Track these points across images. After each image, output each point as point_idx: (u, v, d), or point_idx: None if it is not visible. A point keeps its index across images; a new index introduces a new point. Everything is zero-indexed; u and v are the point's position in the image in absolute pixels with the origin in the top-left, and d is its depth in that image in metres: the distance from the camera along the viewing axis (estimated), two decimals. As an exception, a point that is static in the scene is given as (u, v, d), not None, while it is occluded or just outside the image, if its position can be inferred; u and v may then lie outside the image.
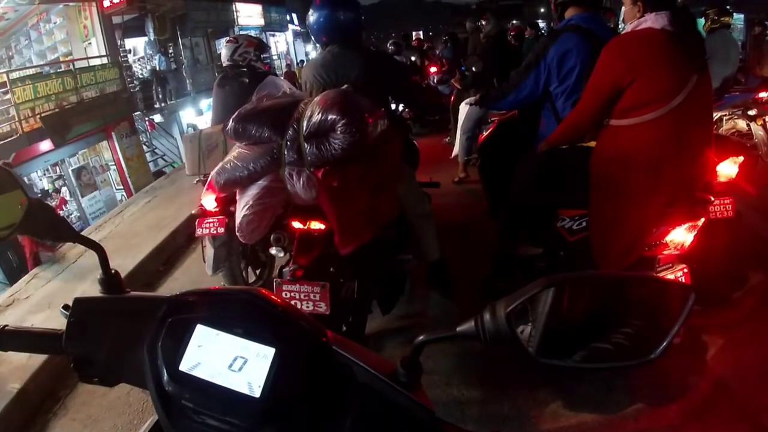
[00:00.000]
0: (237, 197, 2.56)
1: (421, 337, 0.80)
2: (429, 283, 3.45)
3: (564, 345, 0.78)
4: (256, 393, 0.74)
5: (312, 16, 3.03)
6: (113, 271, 0.96)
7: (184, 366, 0.77)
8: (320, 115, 2.27)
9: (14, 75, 10.67)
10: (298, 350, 0.78)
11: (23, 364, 3.24)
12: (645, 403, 2.51)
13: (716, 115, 6.02)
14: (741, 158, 3.00)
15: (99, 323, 0.89)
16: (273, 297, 0.85)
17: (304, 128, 2.30)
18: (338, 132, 2.24)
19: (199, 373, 0.76)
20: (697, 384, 2.64)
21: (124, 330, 0.86)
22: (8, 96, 9.83)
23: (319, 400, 0.77)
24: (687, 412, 2.48)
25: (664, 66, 2.38)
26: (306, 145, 2.29)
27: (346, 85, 2.57)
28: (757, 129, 5.99)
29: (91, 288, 4.37)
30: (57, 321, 0.88)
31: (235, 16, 21.31)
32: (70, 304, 0.92)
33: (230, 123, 2.44)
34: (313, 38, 3.21)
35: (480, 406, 2.66)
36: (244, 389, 0.75)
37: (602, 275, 0.87)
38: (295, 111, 2.39)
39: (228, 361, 0.76)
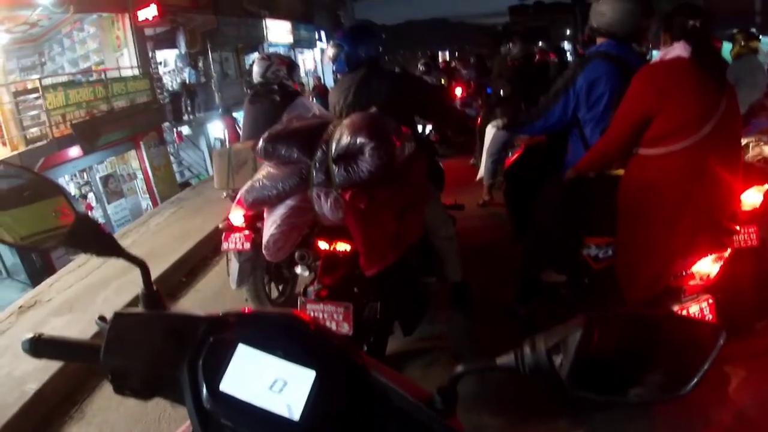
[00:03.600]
0: (264, 215, 2.60)
1: (460, 367, 0.82)
2: (451, 305, 3.44)
3: (594, 378, 0.78)
4: (296, 416, 0.75)
5: (333, 51, 3.16)
6: (155, 288, 0.98)
7: (224, 385, 0.78)
8: (349, 137, 2.30)
9: (47, 81, 10.92)
10: (338, 373, 0.79)
11: (42, 365, 3.26)
12: (664, 435, 2.46)
13: (743, 141, 5.94)
14: (766, 186, 2.96)
15: (139, 338, 0.90)
16: (310, 320, 0.86)
17: (333, 150, 2.34)
18: (366, 155, 2.27)
19: (239, 393, 0.77)
20: (718, 415, 2.59)
21: (164, 346, 0.87)
22: (40, 101, 10.07)
23: (357, 424, 0.78)
24: (706, 443, 2.43)
25: (694, 95, 2.37)
26: (334, 166, 2.32)
27: (373, 108, 2.60)
28: None
29: (114, 295, 4.48)
30: (78, 326, 0.90)
31: (265, 33, 21.61)
32: (92, 312, 0.94)
33: (260, 143, 2.48)
34: (336, 69, 3.32)
35: (501, 433, 2.64)
36: (283, 412, 0.75)
37: (636, 314, 0.87)
38: (324, 133, 2.43)
39: (268, 382, 0.77)
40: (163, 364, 0.86)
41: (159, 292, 0.99)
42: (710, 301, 2.49)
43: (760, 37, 7.46)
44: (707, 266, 2.47)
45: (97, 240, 1.03)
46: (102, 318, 0.96)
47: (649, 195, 2.47)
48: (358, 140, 2.28)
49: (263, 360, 0.79)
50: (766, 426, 2.48)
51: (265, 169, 2.56)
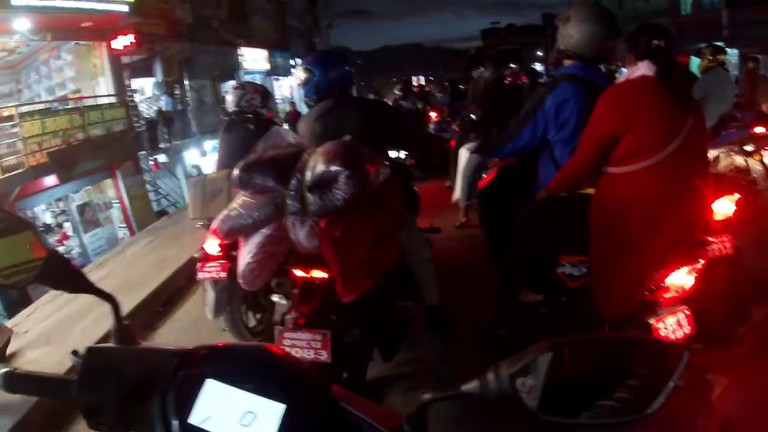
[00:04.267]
0: (240, 244, 2.59)
1: (427, 396, 0.82)
2: (430, 329, 3.44)
3: (565, 401, 0.80)
4: None
5: (303, 75, 3.13)
6: (126, 323, 0.98)
7: (194, 419, 0.79)
8: (323, 165, 2.31)
9: (23, 109, 10.82)
10: (308, 407, 0.80)
11: (21, 398, 3.19)
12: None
13: (714, 152, 6.08)
14: (737, 195, 3.02)
15: (111, 373, 0.90)
16: (282, 352, 0.87)
17: (308, 178, 2.34)
18: (341, 182, 2.27)
19: (209, 426, 0.78)
20: (702, 423, 2.62)
21: (136, 381, 0.87)
22: (16, 129, 9.95)
23: None
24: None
25: (660, 112, 2.44)
26: (309, 195, 2.33)
27: (347, 136, 2.62)
28: (754, 164, 6.03)
29: (91, 326, 4.40)
30: (55, 357, 0.90)
31: (241, 61, 21.70)
32: (69, 344, 0.93)
33: (236, 172, 2.48)
34: (305, 95, 3.31)
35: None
36: None
37: (600, 338, 0.89)
38: (298, 161, 2.43)
39: (238, 415, 0.78)
40: (135, 398, 0.86)
41: (130, 327, 0.99)
42: (686, 312, 2.52)
43: (728, 50, 7.67)
44: (681, 278, 2.51)
45: (68, 276, 1.04)
46: (75, 352, 0.96)
47: (620, 212, 2.51)
48: (332, 168, 2.29)
49: (232, 394, 0.80)
50: None
51: (241, 198, 2.55)
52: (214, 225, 2.65)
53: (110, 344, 0.97)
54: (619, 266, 2.52)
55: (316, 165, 2.34)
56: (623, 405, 0.79)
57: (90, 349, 0.94)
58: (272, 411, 0.77)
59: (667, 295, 2.54)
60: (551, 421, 0.78)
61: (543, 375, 0.77)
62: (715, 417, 2.68)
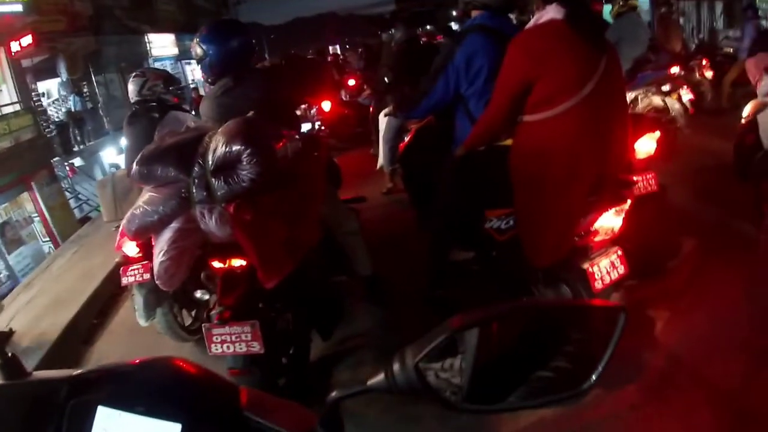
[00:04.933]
0: (153, 242, 2.43)
1: (333, 394, 0.78)
2: (367, 300, 3.41)
3: (502, 380, 0.75)
4: None
5: (198, 50, 2.91)
6: (10, 354, 0.89)
7: None
8: (224, 147, 2.19)
9: None
10: (206, 424, 0.74)
11: None
12: (603, 389, 2.43)
13: (631, 94, 6.25)
14: (657, 133, 3.08)
15: (2, 411, 0.83)
16: (182, 364, 0.81)
17: (210, 163, 2.22)
18: (244, 162, 2.16)
19: None
20: (651, 360, 2.67)
21: (28, 417, 0.80)
22: None
23: None
24: (646, 389, 2.49)
25: (570, 56, 2.41)
26: (214, 180, 2.20)
27: (251, 113, 2.47)
28: (672, 103, 6.24)
29: None
30: None
31: (149, 48, 20.81)
32: None
33: (134, 167, 2.32)
34: (203, 73, 3.09)
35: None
36: None
37: (527, 306, 0.83)
38: (199, 146, 2.29)
39: None
40: None
41: (15, 358, 0.89)
42: (619, 252, 2.56)
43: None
44: (610, 221, 2.53)
45: None
46: None
47: (540, 160, 2.49)
48: (234, 148, 2.17)
49: (125, 420, 0.73)
50: (698, 363, 2.58)
51: (146, 194, 2.40)
52: (122, 226, 2.49)
53: None
54: (545, 215, 2.52)
55: (218, 147, 2.22)
56: (561, 375, 0.75)
57: None
58: None
59: (597, 239, 2.56)
60: (472, 411, 0.74)
61: (472, 355, 0.71)
62: (661, 350, 2.75)
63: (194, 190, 2.24)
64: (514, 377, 0.76)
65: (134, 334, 4.31)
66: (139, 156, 2.35)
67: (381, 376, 0.75)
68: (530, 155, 2.54)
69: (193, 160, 2.26)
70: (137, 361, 0.86)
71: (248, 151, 2.15)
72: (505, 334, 0.75)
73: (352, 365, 3.08)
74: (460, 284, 3.10)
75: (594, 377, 0.74)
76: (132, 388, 0.77)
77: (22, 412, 0.81)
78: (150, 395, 0.75)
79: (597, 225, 2.53)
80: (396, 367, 0.73)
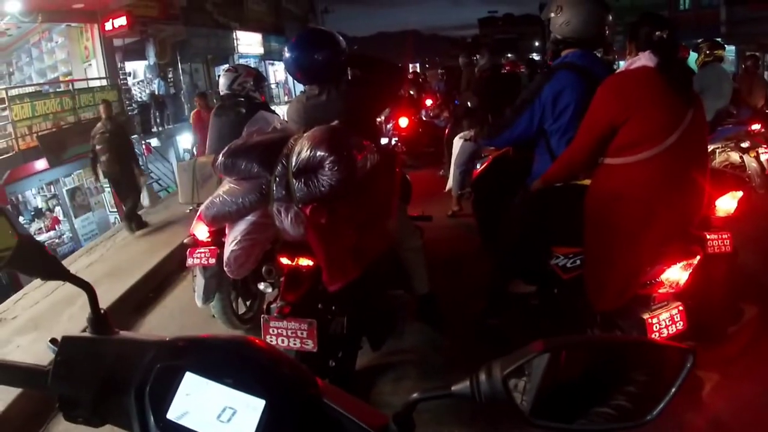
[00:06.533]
0: (226, 231, 2.54)
1: (415, 395, 0.79)
2: (419, 318, 3.41)
3: (560, 406, 0.76)
4: None
5: (287, 55, 3.01)
6: (102, 311, 0.95)
7: (171, 414, 0.75)
8: (309, 151, 2.27)
9: (13, 92, 10.69)
10: (289, 403, 0.76)
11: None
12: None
13: (709, 147, 6.06)
14: (740, 193, 2.99)
15: (87, 364, 0.87)
16: (264, 345, 0.84)
17: (293, 164, 2.29)
18: (326, 169, 2.23)
19: (187, 422, 0.75)
20: (693, 421, 2.58)
21: (112, 372, 0.85)
22: (6, 113, 9.83)
23: None
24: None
25: (659, 104, 2.39)
26: (294, 181, 2.28)
27: (335, 122, 2.55)
28: (750, 161, 6.04)
29: (80, 312, 4.35)
30: (43, 344, 0.88)
31: (235, 44, 21.51)
32: (57, 330, 0.90)
33: (220, 158, 2.42)
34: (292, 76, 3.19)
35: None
36: None
37: (599, 340, 0.85)
38: (284, 147, 2.38)
39: (217, 411, 0.75)
40: (111, 391, 0.84)
41: (107, 316, 0.95)
42: (680, 308, 2.49)
43: (725, 46, 7.64)
44: (676, 274, 2.46)
45: (41, 262, 0.99)
46: (53, 341, 0.93)
47: (616, 204, 2.47)
48: (318, 154, 2.24)
49: (211, 388, 0.76)
50: (738, 429, 2.50)
51: (226, 185, 2.51)
52: (200, 211, 2.60)
53: (86, 334, 0.94)
54: (614, 259, 2.48)
55: (302, 150, 2.29)
56: (620, 413, 0.76)
57: (65, 339, 0.91)
58: (252, 407, 0.74)
59: (661, 290, 2.50)
60: (544, 426, 0.75)
61: (539, 377, 0.73)
62: (706, 414, 2.65)
63: (274, 188, 2.32)
64: (572, 407, 0.76)
65: (186, 313, 4.48)
66: (226, 148, 2.45)
67: (465, 384, 0.76)
68: (607, 198, 2.52)
69: (277, 159, 2.34)
70: (220, 335, 0.91)
71: (331, 158, 2.22)
72: (571, 364, 0.77)
73: (394, 379, 3.10)
74: (516, 317, 3.08)
75: (656, 412, 0.74)
76: (221, 360, 0.80)
77: (106, 367, 0.86)
78: (238, 369, 0.78)
79: (663, 276, 2.47)
80: (482, 377, 0.75)
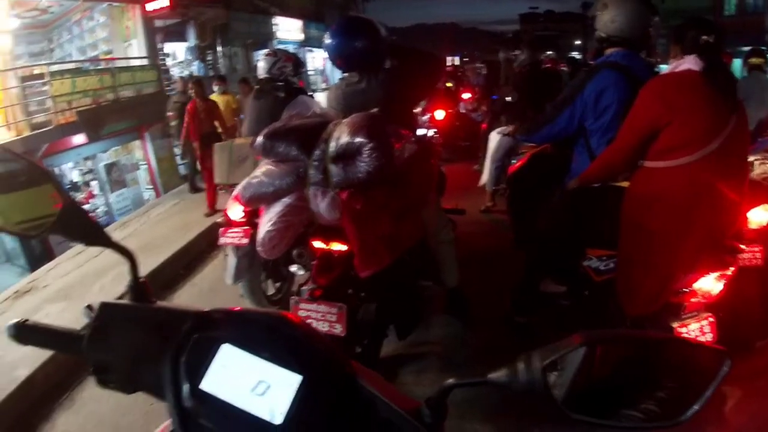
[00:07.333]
0: (261, 212, 2.57)
1: (450, 381, 0.78)
2: (447, 311, 3.42)
3: (591, 400, 0.76)
4: (277, 420, 0.72)
5: (327, 42, 3.04)
6: (142, 280, 0.96)
7: (205, 384, 0.76)
8: (347, 137, 2.29)
9: (54, 68, 10.88)
10: (325, 380, 0.76)
11: (35, 351, 3.20)
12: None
13: (750, 158, 5.91)
14: None
15: (123, 330, 0.89)
16: (300, 322, 0.84)
17: (331, 149, 2.32)
18: (364, 155, 2.25)
19: (221, 393, 0.75)
20: (714, 434, 2.55)
21: (148, 340, 0.86)
22: (46, 87, 10.03)
23: None
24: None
25: (703, 109, 2.34)
26: (332, 166, 2.30)
27: (375, 109, 2.56)
28: None
29: (110, 284, 4.47)
30: (72, 314, 0.90)
31: (275, 30, 21.59)
32: (87, 300, 0.92)
33: (259, 139, 2.46)
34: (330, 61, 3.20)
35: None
36: (265, 415, 0.73)
37: (637, 336, 0.84)
38: (323, 132, 2.41)
39: (251, 384, 0.75)
40: (146, 358, 0.84)
41: (146, 284, 0.96)
42: (711, 319, 2.46)
43: (768, 54, 7.42)
44: (709, 284, 2.42)
45: (85, 229, 1.01)
46: (89, 307, 0.94)
47: (653, 209, 2.43)
48: (357, 140, 2.26)
49: (247, 361, 0.76)
50: None
51: (264, 166, 2.55)
52: (237, 191, 2.64)
53: (125, 301, 0.95)
54: (648, 264, 2.44)
55: (341, 136, 2.31)
56: (654, 410, 0.75)
57: (103, 305, 0.91)
58: (288, 382, 0.74)
59: (693, 300, 2.46)
60: (580, 420, 0.74)
61: (572, 371, 0.73)
62: (727, 427, 2.60)
63: (311, 172, 2.35)
64: (600, 405, 0.76)
65: (215, 292, 4.57)
66: (266, 130, 2.49)
67: (502, 372, 0.76)
68: (645, 202, 2.48)
69: (316, 144, 2.37)
70: (256, 309, 0.91)
71: (370, 145, 2.24)
72: (605, 359, 0.76)
73: (417, 370, 3.11)
74: (544, 316, 3.06)
75: (689, 413, 0.74)
76: (259, 334, 0.80)
77: (143, 334, 0.87)
78: (275, 343, 0.78)
79: (696, 285, 2.43)
80: (521, 366, 0.75)
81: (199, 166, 7.61)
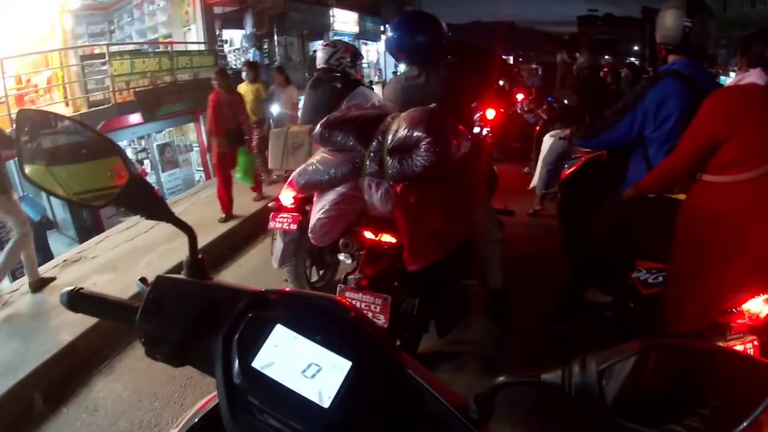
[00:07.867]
0: (314, 199, 2.62)
1: (501, 378, 0.78)
2: (488, 312, 3.41)
3: (636, 407, 0.74)
4: (326, 403, 0.73)
5: (389, 35, 3.06)
6: (200, 256, 0.97)
7: (257, 363, 0.77)
8: (406, 131, 2.30)
9: (114, 48, 11.23)
10: (374, 368, 0.77)
11: (79, 318, 3.29)
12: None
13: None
14: None
15: (177, 304, 0.89)
16: (354, 308, 0.84)
17: (389, 142, 2.34)
18: (422, 149, 2.26)
19: (271, 372, 0.76)
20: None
21: (202, 316, 0.87)
22: (106, 67, 10.36)
23: (387, 421, 0.76)
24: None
25: (765, 125, 2.26)
26: (388, 158, 2.32)
27: (433, 104, 2.58)
28: None
29: (158, 260, 4.62)
30: (118, 285, 0.92)
31: (331, 21, 21.75)
32: (133, 273, 0.93)
33: (318, 128, 2.50)
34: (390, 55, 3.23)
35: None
36: (314, 397, 0.73)
37: (692, 346, 0.83)
38: (381, 124, 2.43)
39: (302, 366, 0.76)
40: (198, 333, 0.85)
41: (204, 261, 0.97)
42: (755, 343, 2.39)
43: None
44: (758, 306, 2.35)
45: (148, 202, 1.02)
46: (143, 280, 0.97)
47: (709, 224, 2.37)
48: (415, 134, 2.27)
49: (300, 343, 0.78)
50: None
51: (320, 154, 2.58)
52: (292, 177, 2.69)
53: (181, 275, 0.96)
54: (699, 280, 2.38)
55: (399, 129, 2.33)
56: (702, 424, 0.73)
57: (159, 278, 0.93)
58: (338, 366, 0.75)
59: (740, 321, 2.39)
60: (629, 428, 0.73)
61: (623, 378, 0.72)
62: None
63: (367, 163, 2.38)
64: (644, 415, 0.74)
65: (259, 274, 4.68)
66: (325, 119, 2.53)
67: (556, 374, 0.75)
68: (702, 216, 2.41)
69: (373, 135, 2.39)
70: (310, 292, 0.93)
71: (428, 139, 2.25)
72: (657, 368, 0.74)
73: (453, 368, 3.11)
74: (586, 325, 3.03)
75: (738, 430, 0.71)
76: (312, 317, 0.81)
77: (197, 310, 0.87)
78: (329, 328, 0.79)
79: (745, 306, 2.35)
80: (576, 369, 0.74)
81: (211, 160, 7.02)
